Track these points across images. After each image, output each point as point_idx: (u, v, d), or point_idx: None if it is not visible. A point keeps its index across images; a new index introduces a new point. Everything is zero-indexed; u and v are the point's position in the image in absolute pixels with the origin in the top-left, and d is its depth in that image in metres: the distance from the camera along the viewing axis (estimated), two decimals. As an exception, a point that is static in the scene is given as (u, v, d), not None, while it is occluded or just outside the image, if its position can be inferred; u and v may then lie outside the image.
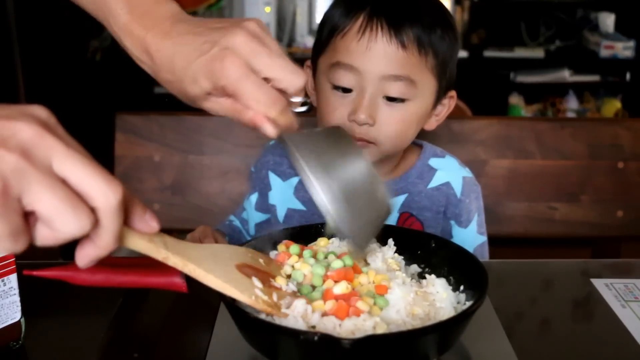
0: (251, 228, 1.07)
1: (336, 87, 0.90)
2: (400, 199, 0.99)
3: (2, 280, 0.65)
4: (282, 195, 1.03)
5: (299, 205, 1.01)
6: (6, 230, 0.41)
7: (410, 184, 1.00)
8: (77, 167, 0.43)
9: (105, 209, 0.45)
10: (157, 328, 0.76)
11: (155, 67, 0.64)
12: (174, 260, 0.56)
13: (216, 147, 1.28)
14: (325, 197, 0.57)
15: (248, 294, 0.59)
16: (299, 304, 0.60)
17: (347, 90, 0.90)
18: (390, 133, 0.91)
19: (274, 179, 1.03)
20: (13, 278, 0.66)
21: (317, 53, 0.96)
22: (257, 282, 0.61)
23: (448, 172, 1.01)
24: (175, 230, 1.36)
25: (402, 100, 0.89)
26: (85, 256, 0.47)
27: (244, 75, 0.58)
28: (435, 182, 1.00)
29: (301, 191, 1.01)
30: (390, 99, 0.89)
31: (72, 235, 0.44)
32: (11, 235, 0.42)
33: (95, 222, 0.45)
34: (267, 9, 2.75)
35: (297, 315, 0.59)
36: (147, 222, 0.51)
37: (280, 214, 1.03)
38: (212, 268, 0.58)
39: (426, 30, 0.89)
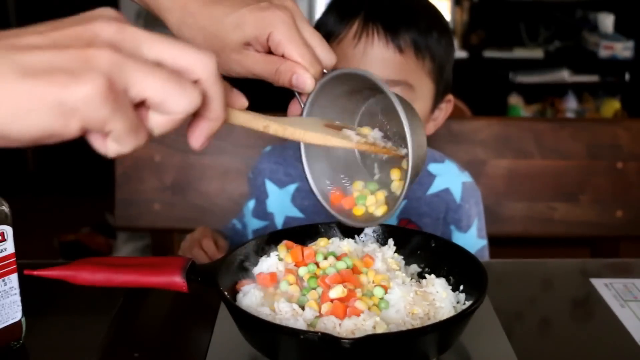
0: (249, 234, 1.07)
1: None
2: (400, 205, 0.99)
3: (3, 280, 0.65)
4: (279, 203, 1.02)
5: (297, 213, 1.01)
6: (127, 125, 0.41)
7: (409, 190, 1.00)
8: (167, 46, 0.43)
9: (208, 77, 0.44)
10: (157, 328, 0.76)
11: (185, 13, 0.64)
12: (274, 126, 0.56)
13: (216, 147, 1.28)
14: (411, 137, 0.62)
15: (348, 140, 0.62)
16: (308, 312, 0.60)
17: None
18: None
19: (270, 186, 1.03)
20: (14, 278, 0.66)
21: None
22: (348, 132, 0.64)
23: (447, 178, 1.00)
24: (175, 230, 1.36)
25: None
26: (199, 135, 0.47)
27: (295, 29, 0.61)
28: (434, 188, 1.00)
29: (298, 199, 1.00)
30: None
31: (185, 112, 0.43)
32: (132, 129, 0.42)
33: (203, 95, 0.44)
34: (267, 9, 2.74)
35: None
36: (237, 97, 0.52)
37: (279, 221, 1.02)
38: (307, 129, 0.60)
39: (422, 34, 0.88)
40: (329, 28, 0.91)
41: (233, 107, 0.51)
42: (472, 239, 1.01)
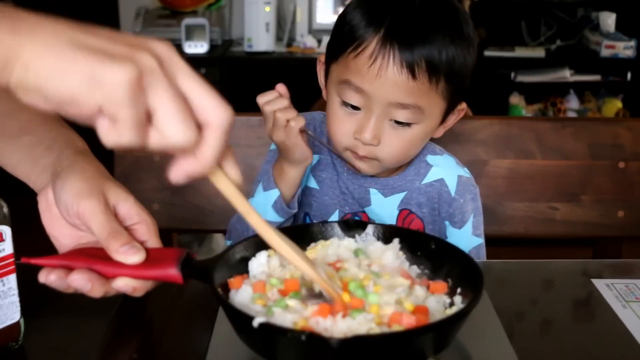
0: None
1: (345, 103, 0.91)
2: (400, 196, 1.00)
3: (2, 281, 0.65)
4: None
5: (313, 184, 1.03)
6: (133, 120, 0.46)
7: (408, 181, 1.01)
8: (197, 86, 0.50)
9: (215, 125, 0.50)
10: (157, 328, 0.76)
11: None
12: (255, 218, 0.59)
13: (216, 147, 1.28)
14: None
15: (312, 268, 0.61)
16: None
17: (355, 107, 0.91)
18: (394, 153, 0.92)
19: None
20: (12, 278, 0.66)
21: (331, 57, 0.94)
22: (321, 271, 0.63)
23: (443, 169, 1.01)
24: (174, 231, 1.36)
25: (408, 124, 0.90)
26: (180, 169, 0.51)
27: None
28: (429, 178, 1.01)
29: (317, 170, 1.02)
30: (397, 122, 0.90)
31: (175, 142, 0.48)
32: (136, 124, 0.47)
33: (199, 141, 0.50)
34: (267, 9, 2.75)
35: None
36: (235, 171, 0.56)
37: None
38: (283, 241, 0.61)
39: (440, 51, 0.87)
40: (353, 32, 0.89)
41: (225, 172, 0.55)
42: (467, 236, 1.01)
